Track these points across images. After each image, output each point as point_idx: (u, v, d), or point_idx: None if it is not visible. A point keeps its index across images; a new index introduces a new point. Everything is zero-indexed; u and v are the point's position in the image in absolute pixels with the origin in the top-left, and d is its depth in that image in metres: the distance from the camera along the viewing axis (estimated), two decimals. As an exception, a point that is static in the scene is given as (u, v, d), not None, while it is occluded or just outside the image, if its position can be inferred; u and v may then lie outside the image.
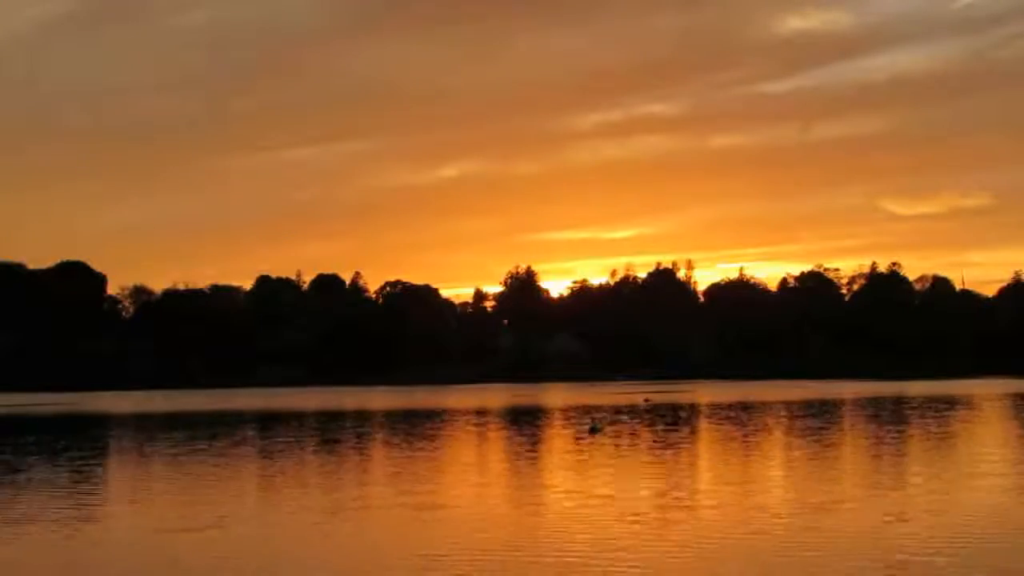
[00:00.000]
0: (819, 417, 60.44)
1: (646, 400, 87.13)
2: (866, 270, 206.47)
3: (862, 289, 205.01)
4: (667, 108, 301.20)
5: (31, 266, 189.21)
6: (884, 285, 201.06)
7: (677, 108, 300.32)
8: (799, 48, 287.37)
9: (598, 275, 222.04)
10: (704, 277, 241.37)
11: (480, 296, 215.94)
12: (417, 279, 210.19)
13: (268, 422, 66.32)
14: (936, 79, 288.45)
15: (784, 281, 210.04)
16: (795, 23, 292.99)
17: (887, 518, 22.83)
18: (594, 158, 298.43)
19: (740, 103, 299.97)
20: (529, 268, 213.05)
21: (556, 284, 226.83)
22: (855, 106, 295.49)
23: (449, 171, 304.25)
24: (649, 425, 55.52)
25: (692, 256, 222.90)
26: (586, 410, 72.03)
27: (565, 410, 74.60)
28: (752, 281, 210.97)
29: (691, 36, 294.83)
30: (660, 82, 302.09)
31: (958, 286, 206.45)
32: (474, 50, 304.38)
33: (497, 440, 49.20)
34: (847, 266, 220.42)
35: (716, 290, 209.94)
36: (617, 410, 71.33)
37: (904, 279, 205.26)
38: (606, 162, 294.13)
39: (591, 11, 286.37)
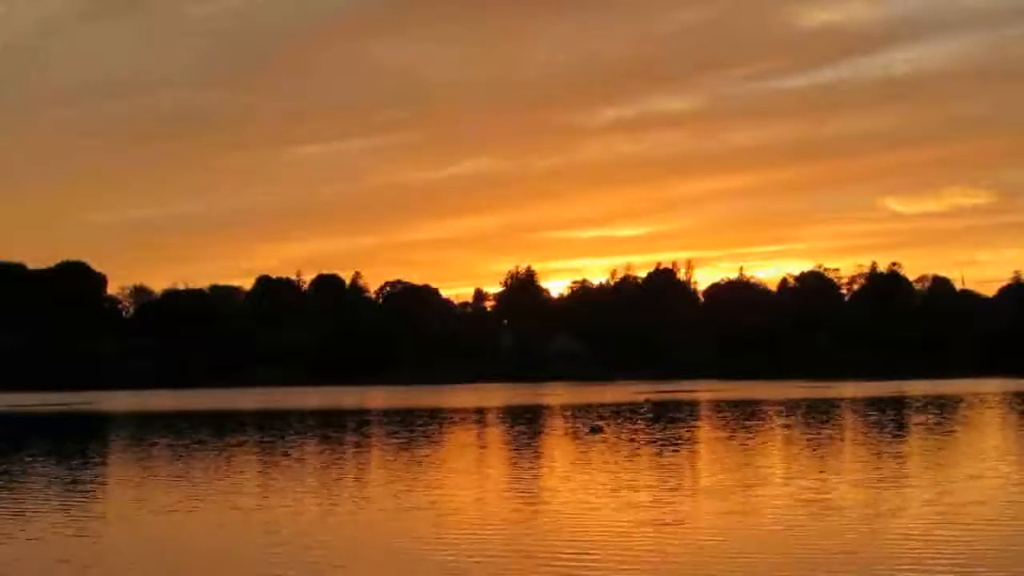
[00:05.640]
0: (819, 416, 60.40)
1: (646, 400, 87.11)
2: (866, 270, 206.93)
3: (862, 289, 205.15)
4: (681, 104, 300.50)
5: (31, 266, 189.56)
6: (884, 285, 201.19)
7: (690, 104, 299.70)
8: (813, 44, 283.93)
9: (606, 274, 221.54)
10: (705, 277, 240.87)
11: (480, 296, 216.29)
12: (417, 279, 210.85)
13: (267, 420, 66.28)
14: (953, 76, 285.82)
15: (784, 281, 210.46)
16: (811, 18, 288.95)
17: (887, 518, 22.82)
18: (606, 155, 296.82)
19: (753, 100, 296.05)
20: (529, 268, 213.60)
21: (562, 283, 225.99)
22: (865, 103, 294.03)
23: (455, 169, 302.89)
24: (650, 425, 55.52)
25: (700, 255, 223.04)
26: (586, 410, 71.99)
27: (565, 410, 74.56)
28: (752, 281, 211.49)
29: (705, 31, 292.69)
30: (674, 78, 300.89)
31: (958, 286, 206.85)
32: (482, 46, 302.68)
33: (496, 440, 49.15)
34: (847, 265, 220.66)
35: (716, 290, 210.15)
36: (617, 410, 71.31)
37: (904, 279, 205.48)
38: (618, 159, 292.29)
39: (603, 6, 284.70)
